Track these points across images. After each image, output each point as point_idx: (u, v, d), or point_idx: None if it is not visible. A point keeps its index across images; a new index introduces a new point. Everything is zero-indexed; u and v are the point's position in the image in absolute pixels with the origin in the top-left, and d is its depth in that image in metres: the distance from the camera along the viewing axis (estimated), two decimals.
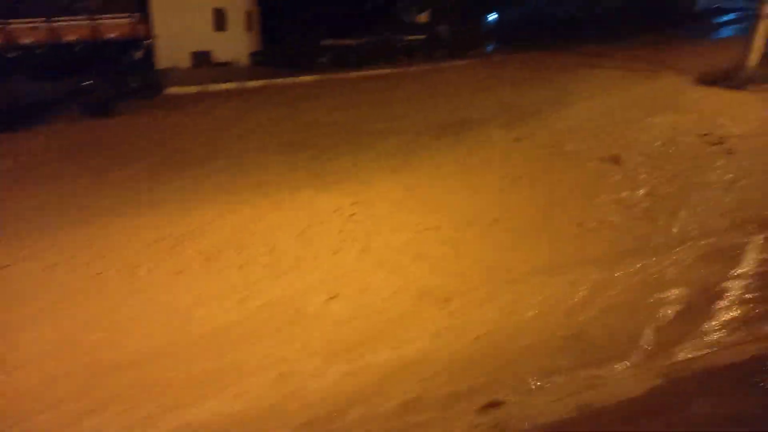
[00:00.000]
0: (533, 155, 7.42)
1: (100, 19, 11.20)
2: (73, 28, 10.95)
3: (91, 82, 11.38)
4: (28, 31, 10.54)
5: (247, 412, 3.00)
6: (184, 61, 16.55)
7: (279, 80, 14.63)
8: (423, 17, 19.37)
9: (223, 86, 13.78)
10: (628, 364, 3.15)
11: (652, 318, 3.58)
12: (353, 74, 15.66)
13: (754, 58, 11.63)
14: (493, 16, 28.84)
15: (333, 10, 19.83)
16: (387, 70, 16.25)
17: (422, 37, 18.12)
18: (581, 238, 4.83)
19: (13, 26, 10.38)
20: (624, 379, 2.99)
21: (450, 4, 21.18)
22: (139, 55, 11.93)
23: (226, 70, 16.61)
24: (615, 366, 3.13)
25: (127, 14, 11.53)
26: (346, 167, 7.21)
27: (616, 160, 6.89)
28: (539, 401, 2.87)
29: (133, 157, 7.86)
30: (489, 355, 3.32)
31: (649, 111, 9.34)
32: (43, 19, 10.61)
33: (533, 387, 2.98)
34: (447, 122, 9.48)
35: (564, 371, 3.11)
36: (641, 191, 5.83)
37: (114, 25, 11.35)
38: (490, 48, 21.03)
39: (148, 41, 12.22)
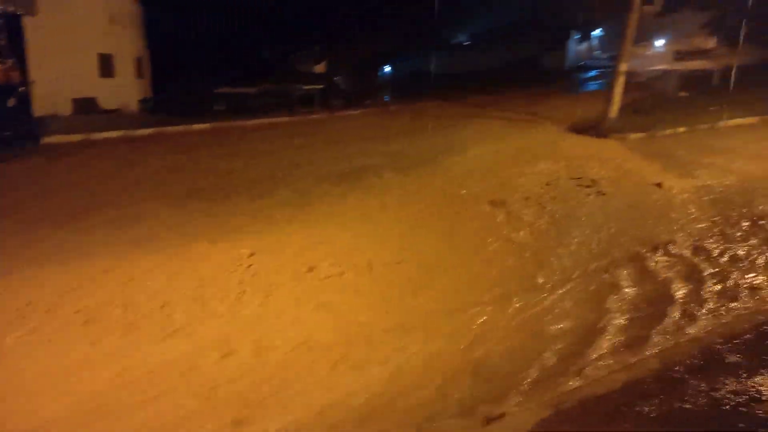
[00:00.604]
0: (428, 200, 7.74)
1: None
2: None
3: None
4: None
5: None
6: (66, 109, 15.59)
7: (171, 128, 14.18)
8: (320, 67, 19.92)
9: (110, 134, 13.08)
10: (519, 398, 3.30)
11: (540, 352, 3.80)
12: (250, 122, 15.58)
13: (614, 109, 13.16)
14: (387, 69, 30.20)
15: (229, 57, 19.79)
16: (285, 119, 16.36)
17: (320, 86, 18.55)
18: (474, 279, 5.06)
19: None
20: (515, 413, 3.13)
21: (346, 56, 21.98)
22: (11, 102, 11.03)
23: (114, 117, 15.85)
24: (507, 401, 3.27)
25: None
26: (244, 217, 7.06)
27: (503, 203, 7.37)
28: None
29: (4, 212, 7.16)
30: (386, 408, 3.32)
31: (530, 157, 10.16)
32: None
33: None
34: (345, 169, 9.65)
35: (458, 411, 3.19)
36: (526, 232, 6.27)
37: None
38: (385, 98, 21.97)
39: (23, 88, 11.37)
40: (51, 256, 5.70)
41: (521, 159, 10.07)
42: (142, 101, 18.02)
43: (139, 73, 19.35)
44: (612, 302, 4.57)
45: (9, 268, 5.35)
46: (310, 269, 5.32)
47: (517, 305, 4.50)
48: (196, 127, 14.60)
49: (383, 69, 29.50)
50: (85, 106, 16.02)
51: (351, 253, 5.71)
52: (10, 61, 10.78)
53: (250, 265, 5.48)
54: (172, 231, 6.57)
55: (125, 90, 17.82)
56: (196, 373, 3.67)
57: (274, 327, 4.27)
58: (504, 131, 13.16)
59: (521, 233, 6.24)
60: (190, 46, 20.59)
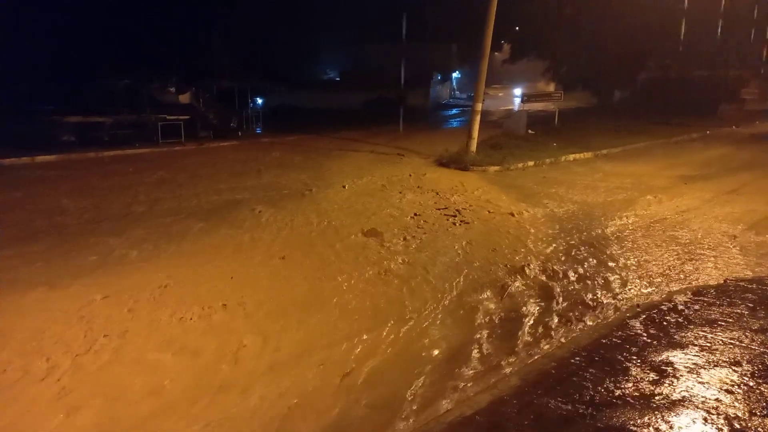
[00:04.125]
0: (302, 232, 7.66)
1: None
2: None
3: None
4: None
5: None
6: None
7: (8, 160, 12.61)
8: (185, 98, 19.06)
9: None
10: (400, 425, 3.32)
11: (408, 379, 3.88)
12: (105, 154, 14.39)
13: (473, 144, 14.23)
14: (259, 100, 29.93)
15: (79, 84, 18.17)
16: (146, 150, 15.37)
17: (185, 117, 17.73)
18: (349, 311, 5.06)
19: None
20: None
21: (213, 88, 21.33)
22: None
23: None
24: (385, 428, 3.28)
25: None
26: (96, 258, 6.43)
27: (375, 233, 7.53)
28: None
29: None
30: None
31: (399, 189, 10.57)
32: None
33: None
34: (212, 204, 9.26)
35: None
36: (397, 261, 6.45)
37: None
38: (257, 131, 21.62)
39: None
40: None
41: (391, 191, 10.43)
42: None
43: None
44: (476, 324, 4.83)
45: None
46: (172, 312, 4.96)
47: (390, 333, 4.57)
48: (40, 159, 13.14)
49: (255, 101, 29.13)
50: None
51: (219, 292, 5.43)
52: None
53: (102, 310, 4.97)
54: (7, 276, 5.77)
55: None
56: None
57: (128, 377, 3.88)
58: (373, 165, 13.57)
59: (393, 262, 6.39)
60: (31, 69, 18.63)
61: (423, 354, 4.25)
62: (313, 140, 18.83)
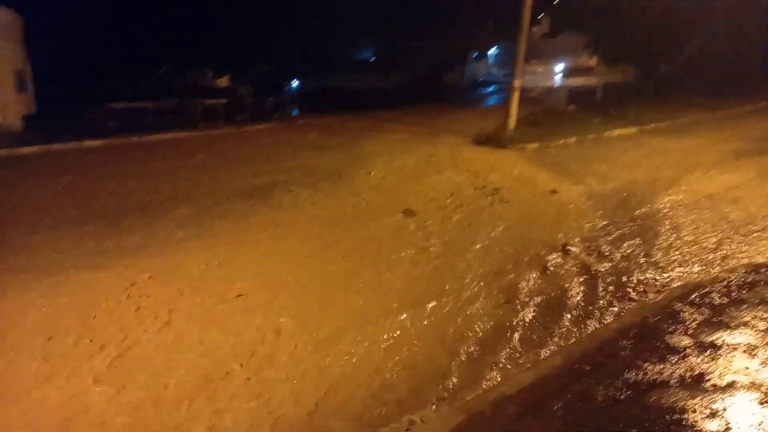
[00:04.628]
0: (339, 213, 7.70)
1: None
2: None
3: None
4: None
5: None
6: None
7: (59, 146, 13.09)
8: (223, 81, 19.31)
9: None
10: (432, 407, 3.32)
11: (453, 356, 3.86)
12: (148, 138, 14.75)
13: (511, 122, 13.93)
14: (295, 83, 30.04)
15: (124, 71, 18.69)
16: (187, 134, 15.67)
17: (223, 101, 17.96)
18: (387, 290, 5.07)
19: None
20: (431, 420, 3.14)
21: (250, 71, 21.54)
22: None
23: None
24: (423, 410, 3.28)
25: None
26: (142, 239, 6.63)
27: (412, 213, 7.50)
28: None
29: None
30: (313, 415, 3.21)
31: (435, 168, 10.46)
32: None
33: None
34: (251, 186, 9.39)
35: (382, 422, 3.15)
36: (435, 240, 6.41)
37: None
38: (293, 113, 21.76)
39: None
40: None
41: (427, 170, 10.34)
42: (26, 118, 16.52)
43: (20, 88, 17.75)
44: (517, 303, 4.76)
45: None
46: (214, 292, 5.07)
47: (430, 312, 4.55)
48: (88, 144, 13.60)
49: (290, 84, 29.29)
50: None
51: (259, 272, 5.52)
52: None
53: (148, 290, 5.13)
54: (58, 258, 6.02)
55: (4, 106, 16.25)
56: (89, 409, 3.34)
57: (175, 353, 4.00)
58: (410, 144, 13.46)
59: (431, 242, 6.36)
60: (80, 59, 19.25)
61: (463, 332, 4.22)
62: (348, 121, 18.82)
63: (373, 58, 41.21)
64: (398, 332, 4.23)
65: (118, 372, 3.77)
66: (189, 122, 16.78)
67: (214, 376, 3.68)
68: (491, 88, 33.78)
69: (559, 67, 37.68)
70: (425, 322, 4.39)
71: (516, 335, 4.20)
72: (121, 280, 5.31)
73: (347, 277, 5.43)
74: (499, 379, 3.60)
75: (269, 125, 18.16)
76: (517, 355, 3.93)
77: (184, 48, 21.23)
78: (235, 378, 3.66)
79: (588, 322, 4.41)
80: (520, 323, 4.40)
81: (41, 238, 6.64)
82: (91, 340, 4.17)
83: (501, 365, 3.79)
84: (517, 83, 13.99)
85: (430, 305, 4.68)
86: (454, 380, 3.60)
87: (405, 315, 4.51)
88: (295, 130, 17.16)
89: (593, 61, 34.51)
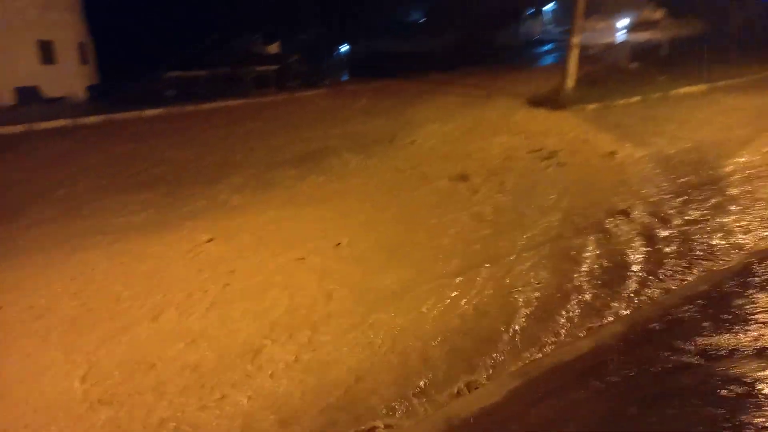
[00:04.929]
0: (391, 178, 7.66)
1: None
2: None
3: None
4: None
5: None
6: (6, 98, 14.77)
7: (121, 115, 13.61)
8: (274, 48, 19.39)
9: (55, 124, 12.46)
10: (490, 370, 3.29)
11: (508, 322, 3.81)
12: (203, 106, 15.09)
13: (569, 81, 13.32)
14: (345, 48, 29.75)
15: (179, 41, 19.08)
16: (239, 101, 15.92)
17: (274, 67, 18.08)
18: (439, 254, 5.02)
19: None
20: (486, 384, 3.12)
21: (302, 37, 21.50)
22: None
23: (59, 105, 15.09)
24: (477, 372, 3.26)
25: None
26: (200, 204, 6.84)
27: (465, 177, 7.36)
28: (409, 423, 2.87)
29: None
30: (357, 385, 3.26)
31: (488, 132, 10.19)
32: None
33: (404, 409, 2.98)
34: (303, 152, 9.47)
35: (434, 386, 3.16)
36: (488, 205, 6.28)
37: None
38: (342, 78, 21.66)
39: None
40: None
41: (480, 134, 10.09)
42: (89, 88, 17.22)
43: (84, 59, 18.46)
44: (576, 268, 4.61)
45: None
46: (272, 253, 5.19)
47: (484, 276, 4.48)
48: (147, 113, 14.06)
49: (339, 49, 29.05)
50: (28, 95, 15.22)
51: (311, 236, 5.59)
52: None
53: (210, 251, 5.30)
54: (123, 221, 6.31)
55: (69, 77, 17.00)
56: (163, 360, 3.52)
57: (234, 313, 4.13)
58: (461, 107, 13.16)
59: (484, 206, 6.23)
60: (137, 29, 19.74)
61: (520, 297, 4.14)
62: (399, 85, 18.56)
63: (423, 20, 40.19)
64: (452, 296, 4.20)
65: (182, 328, 3.94)
66: (241, 90, 17.02)
67: (269, 336, 3.78)
68: (547, 47, 32.33)
69: (622, 22, 35.51)
70: (480, 287, 4.33)
71: (575, 301, 4.08)
72: (183, 243, 5.51)
73: (400, 241, 5.42)
74: (557, 346, 3.52)
75: (319, 91, 18.18)
76: (577, 321, 3.82)
77: (235, 15, 21.33)
78: (290, 339, 3.75)
79: (651, 289, 4.23)
80: (580, 289, 4.26)
81: (108, 203, 6.96)
82: (156, 299, 4.37)
83: (559, 332, 3.70)
84: (575, 40, 13.31)
85: (485, 270, 4.61)
86: (511, 345, 3.55)
87: (459, 279, 4.47)
88: (346, 96, 17.12)
89: (659, 15, 32.27)
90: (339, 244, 5.34)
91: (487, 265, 4.68)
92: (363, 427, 2.88)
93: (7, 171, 8.67)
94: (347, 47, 30.09)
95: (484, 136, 9.90)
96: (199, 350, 3.67)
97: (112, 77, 17.82)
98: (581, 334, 3.67)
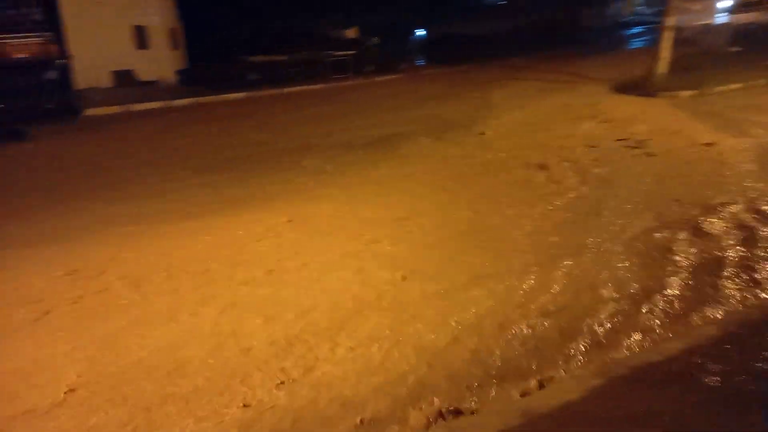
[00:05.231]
0: (465, 164, 7.55)
1: (6, 38, 10.50)
2: None
3: (2, 106, 10.64)
4: None
5: None
6: (105, 81, 15.83)
7: (207, 98, 14.26)
8: (351, 33, 19.55)
9: (147, 105, 13.25)
10: (568, 366, 3.18)
11: (590, 317, 3.66)
12: (283, 90, 15.50)
13: (661, 66, 12.48)
14: (421, 32, 29.48)
15: (261, 26, 19.67)
16: (317, 86, 16.22)
17: (351, 52, 18.23)
18: (517, 244, 4.90)
19: None
20: (566, 380, 3.02)
21: (378, 21, 21.51)
22: (52, 75, 11.25)
23: (152, 88, 16.03)
24: (556, 367, 3.16)
25: (37, 34, 10.87)
26: (278, 185, 7.05)
27: (544, 166, 7.12)
28: (484, 411, 2.84)
29: (40, 184, 7.35)
30: (433, 366, 3.26)
31: (571, 119, 9.77)
32: None
33: (480, 398, 2.95)
34: (379, 136, 9.51)
35: (510, 378, 3.10)
36: (570, 195, 6.04)
37: (23, 45, 10.67)
38: (419, 62, 21.49)
39: (62, 61, 11.55)
40: (88, 227, 5.83)
41: (562, 121, 9.71)
42: (179, 72, 18.13)
43: (174, 45, 19.44)
44: (665, 266, 4.34)
45: (50, 240, 5.52)
46: (348, 236, 5.27)
47: (563, 270, 4.33)
48: (231, 96, 14.64)
49: (416, 33, 28.80)
50: (124, 78, 16.24)
51: (386, 221, 5.62)
52: (47, 35, 10.92)
53: (288, 232, 5.47)
54: (206, 199, 6.63)
55: (161, 61, 17.95)
56: (238, 337, 3.68)
57: (312, 291, 4.24)
58: (542, 93, 12.70)
59: (565, 197, 6.00)
60: (222, 15, 20.53)
61: (602, 294, 3.96)
62: (477, 70, 18.18)
63: (503, 1, 39.01)
64: (527, 288, 4.09)
65: (264, 304, 4.09)
66: (320, 74, 17.32)
67: (345, 317, 3.85)
68: (638, 29, 30.44)
69: (723, 2, 32.73)
70: (558, 281, 4.18)
71: (662, 301, 3.85)
72: (263, 223, 5.71)
73: (474, 228, 5.34)
74: (642, 345, 3.34)
75: (396, 76, 18.16)
76: (664, 322, 3.61)
77: (316, 0, 21.66)
78: (364, 319, 3.80)
79: (750, 291, 3.91)
80: (669, 288, 4.02)
81: (195, 181, 7.33)
82: (238, 276, 4.56)
83: (644, 331, 3.51)
84: (669, 22, 12.45)
85: (564, 263, 4.45)
86: (591, 342, 3.41)
87: (536, 271, 4.34)
88: (422, 80, 17.00)
89: None
90: (409, 231, 5.34)
91: (567, 260, 4.50)
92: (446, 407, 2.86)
93: (105, 149, 9.34)
94: (424, 31, 29.74)
95: (567, 123, 9.51)
96: (277, 326, 3.80)
97: (198, 62, 18.64)
98: (669, 335, 3.46)
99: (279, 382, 3.19)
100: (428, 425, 2.79)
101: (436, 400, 2.96)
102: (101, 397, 3.15)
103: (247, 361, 3.41)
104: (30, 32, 10.70)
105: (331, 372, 3.27)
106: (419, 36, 29.06)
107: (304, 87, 16.06)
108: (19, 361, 3.55)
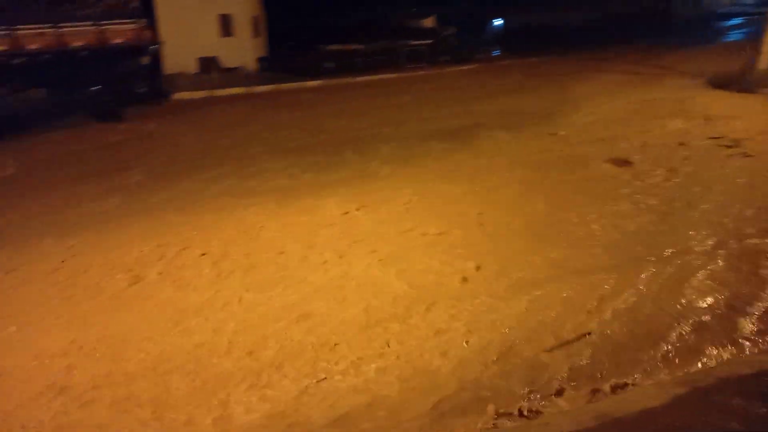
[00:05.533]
0: (542, 159, 7.32)
1: (106, 25, 11.21)
2: (79, 35, 10.96)
3: (99, 87, 11.41)
4: (35, 37, 10.55)
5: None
6: (191, 67, 16.59)
7: (286, 85, 14.65)
8: (428, 22, 19.36)
9: (230, 91, 13.80)
10: (650, 371, 3.04)
11: (675, 324, 3.47)
12: (358, 79, 15.65)
13: (764, 60, 11.52)
14: (498, 22, 28.83)
15: (339, 15, 19.91)
16: (392, 75, 16.23)
17: (428, 41, 18.08)
18: (595, 244, 4.71)
19: (20, 32, 10.40)
20: (646, 387, 2.88)
21: (455, 10, 21.20)
22: (145, 60, 11.94)
23: (234, 75, 16.64)
24: (637, 373, 3.02)
25: (132, 20, 11.54)
26: (351, 173, 7.14)
27: (627, 163, 6.79)
28: (555, 411, 2.77)
29: (138, 162, 7.83)
30: (501, 362, 3.21)
31: (658, 114, 9.24)
32: (50, 25, 10.63)
33: (553, 396, 2.88)
34: (453, 126, 9.41)
35: (586, 379, 3.00)
36: (655, 195, 5.72)
37: (119, 31, 11.36)
38: (496, 53, 21.01)
39: (155, 47, 12.22)
40: (174, 205, 6.16)
41: (648, 116, 9.20)
42: (259, 60, 18.71)
43: (256, 33, 20.03)
44: (759, 274, 4.04)
45: (144, 213, 5.89)
46: (417, 225, 5.26)
47: (646, 272, 4.12)
48: (308, 84, 14.95)
49: (493, 22, 28.16)
50: (208, 65, 16.96)
51: (457, 212, 5.56)
52: (143, 21, 11.58)
53: (358, 219, 5.54)
54: (284, 183, 6.82)
55: (243, 49, 18.56)
56: (307, 322, 3.78)
57: (379, 279, 4.27)
58: (628, 86, 12.07)
59: (650, 195, 5.70)
60: (302, 4, 20.92)
61: (688, 299, 3.74)
62: (557, 61, 17.54)
63: None
64: (607, 289, 3.92)
65: (334, 287, 4.18)
66: (395, 63, 17.32)
67: (412, 306, 3.86)
68: (735, 21, 28.24)
69: None
70: (639, 283, 3.99)
71: (756, 312, 3.59)
72: (335, 208, 5.81)
73: (549, 224, 5.18)
74: (732, 357, 3.13)
75: (472, 66, 17.84)
76: (755, 334, 3.36)
77: None
78: (436, 308, 3.80)
79: None
80: (763, 299, 3.74)
81: (272, 164, 7.56)
82: (312, 258, 4.68)
83: (734, 342, 3.29)
84: None
85: (647, 264, 4.23)
86: (675, 350, 3.23)
87: (614, 271, 4.15)
88: (498, 72, 16.62)
89: None
90: (483, 222, 5.26)
91: (651, 259, 4.28)
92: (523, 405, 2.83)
93: (193, 131, 9.82)
94: (501, 21, 29.02)
95: (654, 118, 9.00)
96: (352, 306, 3.87)
97: (278, 49, 19.12)
98: (761, 348, 3.22)
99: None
100: (498, 417, 2.76)
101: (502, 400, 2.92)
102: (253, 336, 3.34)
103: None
104: (128, 19, 11.37)
105: None
106: (497, 26, 28.40)
107: (380, 76, 16.13)
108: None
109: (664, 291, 3.87)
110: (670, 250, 4.47)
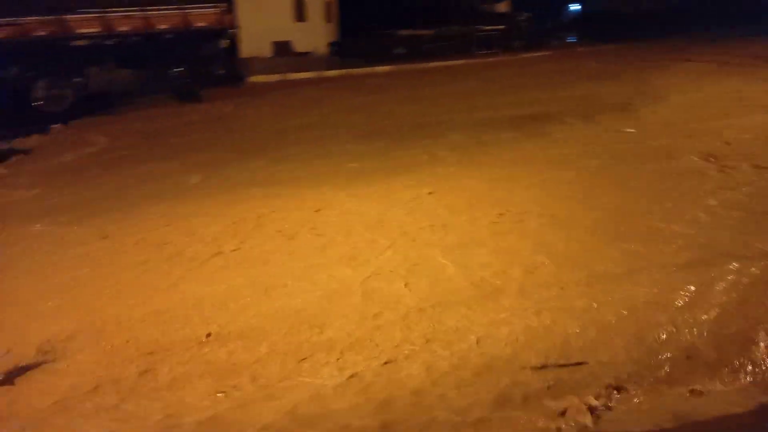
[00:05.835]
0: (619, 150, 7.04)
1: (190, 8, 11.71)
2: (165, 17, 11.52)
3: (182, 69, 11.99)
4: (124, 19, 11.19)
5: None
6: (266, 51, 17.10)
7: (356, 70, 14.82)
8: (502, 7, 18.92)
9: (303, 75, 14.13)
10: (733, 376, 2.90)
11: (760, 328, 3.28)
12: (429, 65, 15.57)
13: None
14: (575, 7, 27.72)
15: (410, 0, 19.79)
16: (464, 61, 16.04)
17: (501, 27, 17.70)
18: (674, 239, 4.51)
19: (111, 15, 11.06)
20: (729, 392, 2.76)
21: None
22: (225, 44, 12.42)
23: (306, 59, 17.01)
24: (720, 378, 2.89)
25: (214, 4, 11.99)
26: (421, 158, 7.16)
27: (715, 157, 6.41)
28: (635, 409, 2.70)
29: (217, 141, 8.21)
30: (578, 357, 3.16)
31: (749, 107, 8.64)
32: (138, 8, 11.23)
33: (630, 394, 2.80)
34: (525, 115, 9.21)
35: (664, 381, 2.90)
36: (744, 190, 5.39)
37: (202, 15, 11.84)
38: (572, 39, 20.27)
39: (233, 31, 12.68)
40: (252, 182, 6.41)
41: (735, 108, 8.64)
42: (331, 45, 18.98)
43: (328, 18, 20.31)
44: None
45: (224, 190, 6.17)
46: (483, 213, 5.21)
47: (732, 273, 3.90)
48: (379, 69, 15.05)
49: (570, 8, 27.13)
50: (282, 49, 17.41)
51: (529, 200, 5.47)
52: (223, 5, 12.01)
53: (429, 203, 5.56)
54: (354, 166, 6.93)
55: (315, 34, 18.91)
56: (377, 293, 3.86)
57: (446, 264, 4.28)
58: (712, 76, 11.36)
59: (737, 192, 5.37)
60: None
61: None
62: (634, 49, 16.72)
63: None
64: (688, 290, 3.75)
65: (413, 272, 4.23)
66: (466, 49, 17.09)
67: (480, 295, 3.85)
68: None
69: None
70: (726, 284, 3.79)
71: None
72: (406, 192, 5.86)
73: (625, 219, 4.99)
74: None
75: (545, 53, 17.35)
76: None
77: None
78: (504, 297, 3.78)
79: None
80: None
81: (342, 149, 7.71)
82: (380, 242, 4.76)
83: None
84: None
85: (732, 265, 4.01)
86: (762, 357, 3.06)
87: (697, 271, 3.96)
88: (573, 59, 16.06)
89: None
90: (554, 213, 5.14)
91: (735, 264, 4.05)
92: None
93: (268, 113, 10.17)
94: (578, 6, 27.88)
95: (741, 111, 8.44)
96: (417, 289, 3.92)
97: (349, 35, 19.31)
98: None
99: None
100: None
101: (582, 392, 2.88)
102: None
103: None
104: (210, 3, 11.83)
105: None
106: (573, 11, 27.33)
107: (450, 62, 15.97)
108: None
109: (749, 293, 3.66)
110: (761, 251, 4.21)
